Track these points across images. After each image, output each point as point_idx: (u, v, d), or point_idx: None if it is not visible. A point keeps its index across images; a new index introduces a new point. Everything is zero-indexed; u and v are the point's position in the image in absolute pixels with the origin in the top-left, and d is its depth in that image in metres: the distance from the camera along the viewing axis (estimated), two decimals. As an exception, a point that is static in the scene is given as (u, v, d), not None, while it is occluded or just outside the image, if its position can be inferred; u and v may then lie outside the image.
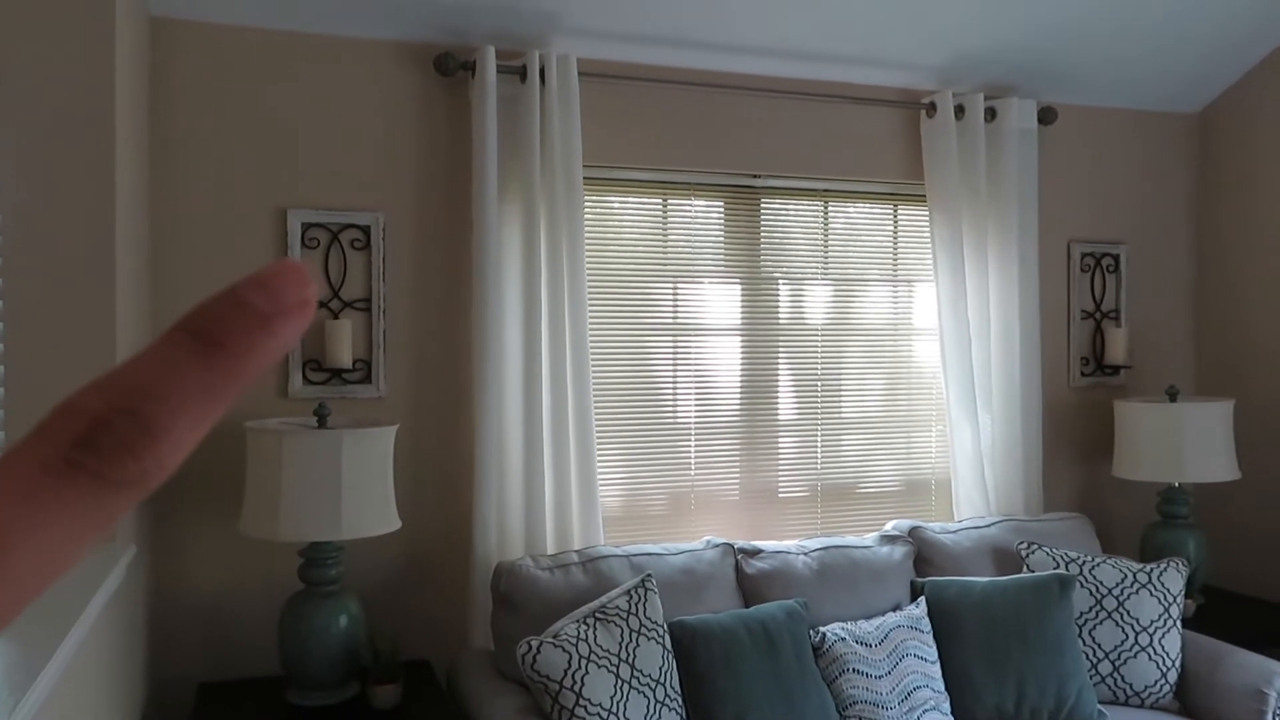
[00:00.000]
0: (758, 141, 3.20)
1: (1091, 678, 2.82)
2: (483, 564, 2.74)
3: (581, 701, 2.24)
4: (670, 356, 3.16)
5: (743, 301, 3.24)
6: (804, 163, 3.26)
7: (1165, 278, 3.83)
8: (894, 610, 2.83)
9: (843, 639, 2.64)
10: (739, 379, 3.24)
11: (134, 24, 2.29)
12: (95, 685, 1.87)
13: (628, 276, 3.11)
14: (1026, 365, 3.38)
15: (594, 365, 3.00)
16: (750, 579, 2.80)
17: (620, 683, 2.31)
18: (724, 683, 2.44)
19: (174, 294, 2.65)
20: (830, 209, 3.35)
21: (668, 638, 2.48)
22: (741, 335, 3.24)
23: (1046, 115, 3.47)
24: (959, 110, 3.33)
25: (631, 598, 2.47)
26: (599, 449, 2.98)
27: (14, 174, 1.91)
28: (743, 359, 3.25)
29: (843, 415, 3.37)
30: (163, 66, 2.64)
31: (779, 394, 3.29)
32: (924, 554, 3.01)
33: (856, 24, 3.04)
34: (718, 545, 2.84)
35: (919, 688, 2.63)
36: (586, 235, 2.95)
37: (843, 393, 3.37)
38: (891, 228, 3.43)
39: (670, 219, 3.16)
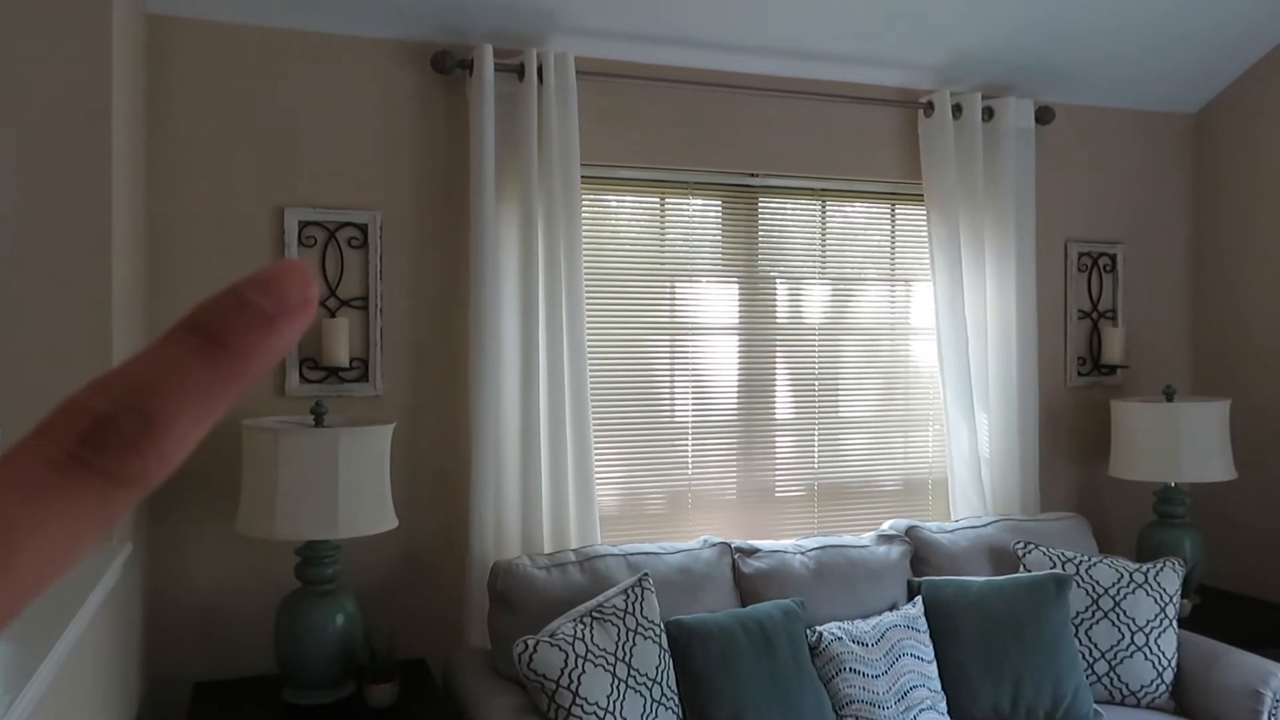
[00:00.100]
0: (755, 141, 3.20)
1: (1088, 677, 2.82)
2: (480, 563, 2.74)
3: (578, 701, 2.24)
4: (667, 355, 3.15)
5: (740, 301, 3.24)
6: (802, 162, 3.26)
7: (1162, 277, 3.83)
8: (891, 610, 2.84)
9: (839, 638, 2.65)
10: (736, 378, 3.24)
11: (130, 22, 2.29)
12: (91, 684, 1.87)
13: (625, 275, 3.10)
14: (1023, 365, 3.39)
15: (591, 364, 2.99)
16: (747, 578, 2.80)
17: (617, 682, 2.31)
18: (721, 682, 2.44)
19: (170, 293, 2.64)
20: (828, 208, 3.35)
21: (664, 637, 2.48)
22: (739, 335, 3.24)
23: (1044, 115, 3.47)
24: (957, 110, 3.33)
25: (628, 597, 2.47)
26: (596, 448, 2.98)
27: (9, 173, 1.90)
28: (740, 358, 3.25)
29: (840, 415, 3.37)
30: (159, 64, 2.63)
31: (776, 393, 3.29)
32: (921, 553, 3.01)
33: (854, 23, 3.04)
34: (715, 544, 2.84)
35: (915, 687, 2.63)
36: (584, 234, 2.95)
37: (840, 392, 3.37)
38: (889, 227, 3.43)
39: (668, 218, 3.16)
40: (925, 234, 3.38)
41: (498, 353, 2.80)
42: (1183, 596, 3.13)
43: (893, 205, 3.43)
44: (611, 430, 3.09)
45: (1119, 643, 2.85)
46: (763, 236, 3.27)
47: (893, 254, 3.43)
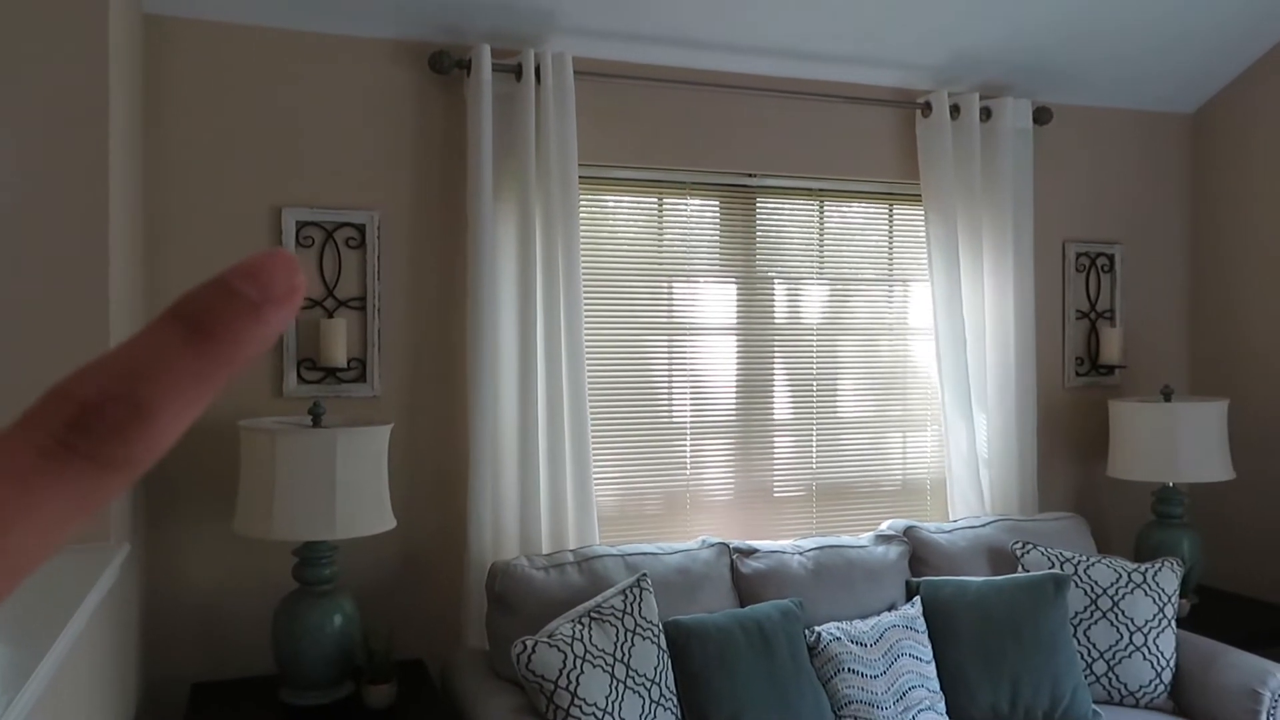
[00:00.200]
0: (753, 141, 3.20)
1: (1086, 677, 2.82)
2: (478, 563, 2.74)
3: (576, 701, 2.24)
4: (665, 356, 3.15)
5: (738, 301, 3.24)
6: (799, 162, 3.26)
7: (1160, 277, 3.83)
8: (889, 610, 2.84)
9: (838, 638, 2.64)
10: (734, 379, 3.24)
11: (128, 21, 2.29)
12: (89, 685, 1.87)
13: (623, 276, 3.10)
14: (1021, 365, 3.39)
15: (589, 364, 2.99)
16: (745, 578, 2.80)
17: (615, 682, 2.31)
18: (719, 682, 2.44)
19: (168, 293, 2.64)
20: (825, 208, 3.35)
21: (663, 637, 2.47)
22: (737, 335, 3.24)
23: (1041, 115, 3.48)
24: (954, 110, 3.33)
25: (627, 597, 2.47)
26: (594, 448, 2.98)
27: (7, 173, 1.90)
28: (738, 359, 3.25)
29: (838, 415, 3.37)
30: (157, 64, 2.63)
31: (774, 394, 3.29)
32: (919, 554, 3.01)
33: (852, 23, 3.04)
34: (713, 545, 2.84)
35: (914, 687, 2.63)
36: (581, 234, 2.95)
37: (838, 392, 3.37)
38: (887, 227, 3.43)
39: (665, 218, 3.16)
40: (923, 234, 3.38)
41: (495, 353, 2.80)
42: (1181, 596, 3.13)
43: (890, 205, 3.43)
44: (609, 430, 3.09)
45: (1117, 643, 2.85)
46: (760, 237, 3.27)
47: (890, 254, 3.43)
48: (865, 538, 3.01)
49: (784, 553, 2.87)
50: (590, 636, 2.34)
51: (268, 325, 0.26)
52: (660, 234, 3.15)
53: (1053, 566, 2.95)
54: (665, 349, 3.15)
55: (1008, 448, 3.37)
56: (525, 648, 2.28)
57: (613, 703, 2.28)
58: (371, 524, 2.37)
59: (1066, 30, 3.23)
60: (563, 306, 2.85)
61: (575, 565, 2.64)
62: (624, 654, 2.36)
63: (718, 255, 3.22)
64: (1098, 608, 2.89)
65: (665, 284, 3.15)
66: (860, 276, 3.39)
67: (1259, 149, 3.62)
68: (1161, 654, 2.83)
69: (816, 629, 2.68)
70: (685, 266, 3.18)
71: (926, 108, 3.32)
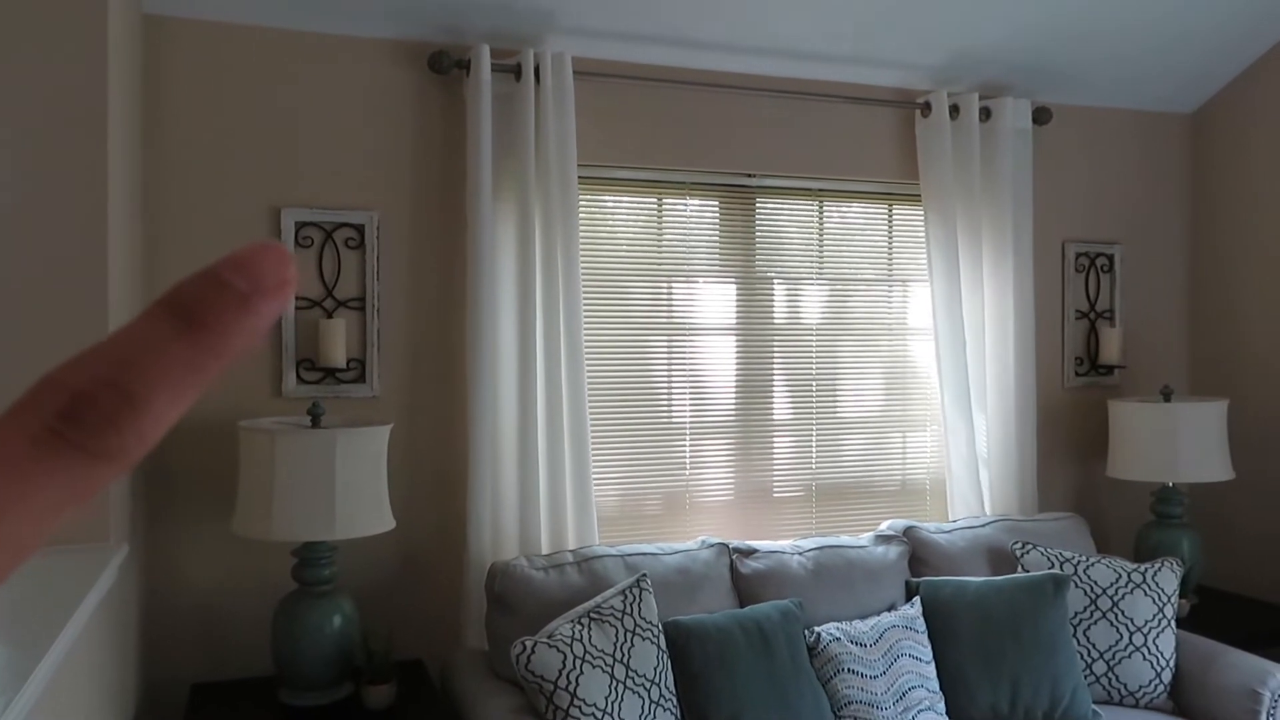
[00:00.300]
0: (753, 141, 3.20)
1: (1086, 678, 2.82)
2: (477, 564, 2.73)
3: (576, 702, 2.23)
4: (665, 356, 3.15)
5: (738, 301, 3.24)
6: (799, 162, 3.26)
7: (1159, 277, 3.83)
8: (889, 610, 2.83)
9: (838, 639, 2.64)
10: (734, 379, 3.24)
11: (127, 21, 2.28)
12: (87, 686, 1.86)
13: (622, 276, 3.10)
14: (1021, 365, 3.39)
15: (588, 365, 2.99)
16: (745, 579, 2.80)
17: (615, 683, 2.31)
18: (719, 683, 2.44)
19: (167, 293, 2.63)
20: (825, 209, 3.35)
21: (663, 638, 2.47)
22: (736, 335, 3.24)
23: (1041, 115, 3.48)
24: (954, 110, 3.33)
25: (626, 598, 2.47)
26: (594, 448, 2.98)
27: (6, 173, 1.90)
28: (738, 359, 3.24)
29: (838, 415, 3.37)
30: (156, 64, 2.63)
31: (774, 394, 3.29)
32: (919, 554, 3.01)
33: (851, 23, 3.04)
34: (713, 545, 2.84)
35: (914, 688, 2.63)
36: (581, 234, 2.95)
37: (838, 393, 3.37)
38: (886, 228, 3.43)
39: (665, 218, 3.16)
40: (923, 234, 3.38)
41: (495, 353, 2.80)
42: (1181, 596, 3.13)
43: (890, 206, 3.43)
44: (609, 430, 3.08)
45: (1117, 643, 2.84)
46: (760, 237, 3.27)
47: (890, 254, 3.43)
48: (865, 538, 3.00)
49: (784, 553, 2.87)
50: (590, 637, 2.34)
51: (258, 316, 0.26)
52: (660, 234, 3.15)
53: (1052, 567, 2.95)
54: (665, 349, 3.15)
55: (1007, 448, 3.37)
56: (525, 648, 2.28)
57: (612, 703, 2.27)
58: (371, 524, 2.37)
59: (1066, 30, 3.23)
60: (562, 307, 2.85)
61: (575, 565, 2.64)
62: (623, 654, 2.36)
63: (717, 255, 3.22)
64: (1097, 608, 2.89)
65: (665, 284, 3.15)
66: (860, 277, 3.39)
67: (1259, 149, 3.62)
68: (1161, 654, 2.83)
69: (816, 629, 2.68)
70: (684, 266, 3.17)
71: (926, 108, 3.32)
